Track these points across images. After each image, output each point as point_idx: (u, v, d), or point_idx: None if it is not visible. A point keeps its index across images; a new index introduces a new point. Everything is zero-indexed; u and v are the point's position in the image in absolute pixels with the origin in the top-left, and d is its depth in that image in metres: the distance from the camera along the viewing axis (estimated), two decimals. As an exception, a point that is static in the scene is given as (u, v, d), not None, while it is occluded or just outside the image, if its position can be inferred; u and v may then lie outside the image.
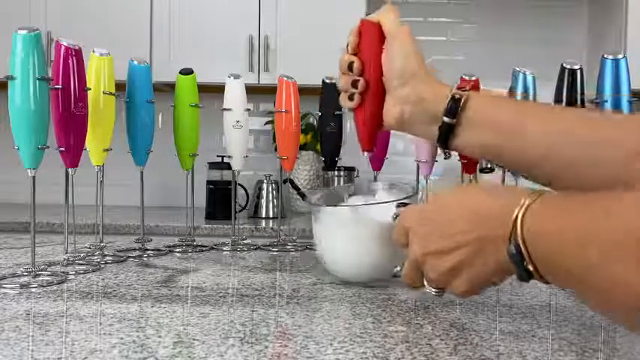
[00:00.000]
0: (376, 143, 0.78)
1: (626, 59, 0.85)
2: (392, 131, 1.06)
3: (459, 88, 0.67)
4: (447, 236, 0.57)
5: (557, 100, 0.88)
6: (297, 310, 0.65)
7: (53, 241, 1.13)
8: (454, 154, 0.76)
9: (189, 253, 1.04)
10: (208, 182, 2.49)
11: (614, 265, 0.42)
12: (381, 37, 0.72)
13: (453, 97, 0.66)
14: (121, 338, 0.54)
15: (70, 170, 0.86)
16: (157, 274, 0.84)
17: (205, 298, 0.70)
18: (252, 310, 0.65)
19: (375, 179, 1.03)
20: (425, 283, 0.61)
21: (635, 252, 0.40)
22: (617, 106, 0.84)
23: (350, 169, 2.57)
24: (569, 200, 0.49)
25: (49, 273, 0.81)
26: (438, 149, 0.74)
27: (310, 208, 0.83)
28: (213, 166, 2.47)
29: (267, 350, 0.51)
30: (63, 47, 0.81)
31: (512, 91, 0.92)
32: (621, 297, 0.42)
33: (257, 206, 2.58)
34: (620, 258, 0.41)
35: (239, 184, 2.52)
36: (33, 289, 0.73)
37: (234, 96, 1.09)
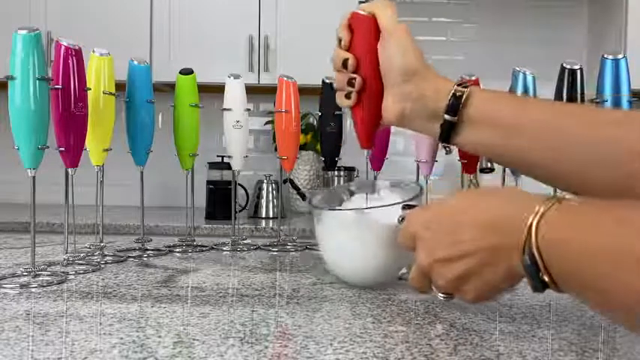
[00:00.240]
0: (375, 140, 0.77)
1: (626, 59, 0.85)
2: (392, 131, 1.06)
3: (460, 84, 0.66)
4: (454, 243, 0.56)
5: (557, 100, 0.88)
6: (297, 310, 0.65)
7: (53, 241, 1.13)
8: (455, 151, 0.75)
9: (189, 253, 1.04)
10: (208, 182, 2.49)
11: (630, 275, 0.41)
12: (376, 32, 0.70)
13: (454, 95, 0.66)
14: (121, 338, 0.54)
15: (70, 170, 0.86)
16: (156, 274, 0.84)
17: (205, 298, 0.70)
18: (252, 310, 0.65)
19: (375, 179, 1.03)
20: (433, 288, 0.61)
21: None
22: (617, 106, 0.84)
23: (350, 169, 2.57)
24: (585, 209, 0.48)
25: (49, 273, 0.81)
26: (439, 146, 0.73)
27: (312, 210, 0.81)
28: (213, 166, 2.47)
29: (267, 350, 0.51)
30: (63, 47, 0.81)
31: (512, 91, 0.92)
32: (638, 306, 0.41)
33: (257, 206, 2.58)
34: (636, 268, 0.41)
35: (239, 184, 2.52)
36: (33, 289, 0.73)
37: (234, 96, 1.08)
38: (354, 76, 0.71)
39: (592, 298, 0.47)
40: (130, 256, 0.98)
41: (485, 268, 0.54)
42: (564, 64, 0.87)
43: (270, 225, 2.37)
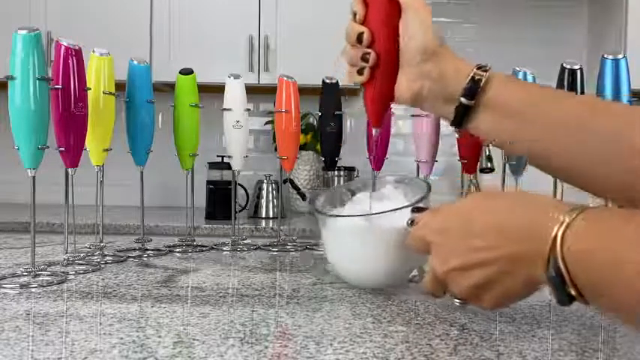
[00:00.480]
0: (384, 120, 0.73)
1: (626, 59, 0.85)
2: (392, 131, 1.06)
3: (479, 68, 0.64)
4: (470, 251, 0.54)
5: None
6: (297, 310, 0.65)
7: (53, 241, 1.13)
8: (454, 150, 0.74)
9: (189, 253, 1.04)
10: (208, 182, 2.49)
11: None
12: (391, 6, 0.67)
13: (472, 78, 0.63)
14: (121, 338, 0.54)
15: (70, 170, 0.86)
16: (157, 274, 0.84)
17: (205, 298, 0.70)
18: (252, 310, 0.65)
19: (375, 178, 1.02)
20: (447, 293, 0.59)
21: None
22: (617, 106, 0.84)
23: (350, 169, 2.57)
24: (610, 218, 0.47)
25: (49, 273, 0.81)
26: (450, 129, 0.69)
27: (318, 216, 0.78)
28: (213, 166, 2.47)
29: (267, 350, 0.51)
30: (63, 47, 0.81)
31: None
32: None
33: (257, 206, 2.58)
34: None
35: (239, 184, 2.52)
36: (33, 289, 0.73)
37: (234, 96, 1.09)
38: (369, 51, 0.67)
39: (622, 311, 0.45)
40: (130, 256, 0.98)
41: (504, 276, 0.52)
42: (564, 64, 0.87)
43: (270, 225, 2.37)
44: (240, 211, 2.59)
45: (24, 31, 0.74)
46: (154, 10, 2.57)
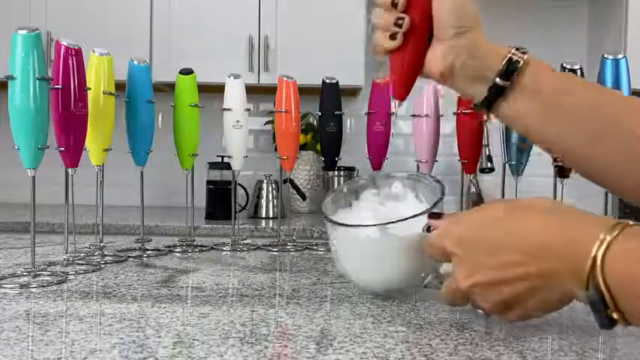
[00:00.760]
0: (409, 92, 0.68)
1: (626, 59, 0.85)
2: (392, 132, 1.06)
3: (518, 49, 0.62)
4: (497, 267, 0.52)
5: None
6: (297, 310, 0.65)
7: (53, 241, 1.13)
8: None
9: (189, 253, 1.04)
10: (208, 182, 2.49)
11: None
12: None
13: (510, 59, 0.62)
14: (121, 338, 0.54)
15: (70, 170, 0.86)
16: (157, 274, 0.84)
17: (205, 298, 0.70)
18: (252, 310, 0.65)
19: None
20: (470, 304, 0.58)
21: None
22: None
23: (350, 169, 2.57)
24: None
25: (49, 273, 0.81)
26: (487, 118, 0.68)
27: (326, 223, 0.74)
28: (213, 166, 2.47)
29: (267, 350, 0.51)
30: (63, 47, 0.81)
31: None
32: None
33: (257, 206, 2.58)
34: None
35: (239, 184, 2.52)
36: (33, 289, 0.73)
37: (234, 96, 1.09)
38: (403, 15, 0.63)
39: None
40: (130, 256, 0.98)
41: (535, 293, 0.51)
42: (564, 64, 0.87)
43: (270, 225, 2.37)
44: (240, 211, 2.59)
45: (24, 31, 0.74)
46: (154, 10, 2.57)
